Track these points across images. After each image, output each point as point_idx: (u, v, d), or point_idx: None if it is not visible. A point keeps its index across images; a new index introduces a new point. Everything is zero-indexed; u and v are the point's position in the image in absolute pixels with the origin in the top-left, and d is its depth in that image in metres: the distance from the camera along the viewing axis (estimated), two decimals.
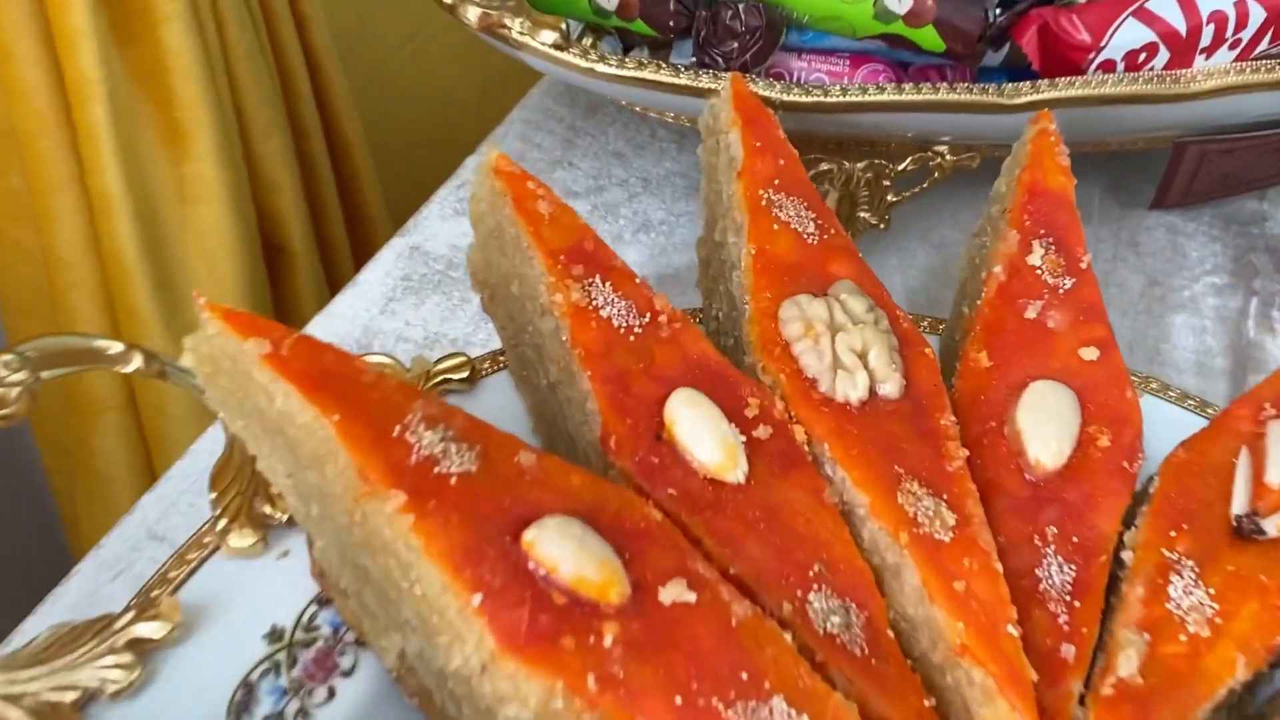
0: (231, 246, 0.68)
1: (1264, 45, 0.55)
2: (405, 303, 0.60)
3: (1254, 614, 0.37)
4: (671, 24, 0.51)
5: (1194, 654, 0.36)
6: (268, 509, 0.40)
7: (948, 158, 0.60)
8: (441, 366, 0.45)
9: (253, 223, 0.73)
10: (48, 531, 0.91)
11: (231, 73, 0.67)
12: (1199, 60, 0.55)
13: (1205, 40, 0.54)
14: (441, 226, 0.66)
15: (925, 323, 0.52)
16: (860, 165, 0.60)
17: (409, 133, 0.96)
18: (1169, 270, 0.69)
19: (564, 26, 0.50)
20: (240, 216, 0.68)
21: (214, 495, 0.40)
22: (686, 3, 0.50)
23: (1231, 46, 0.55)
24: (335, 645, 0.38)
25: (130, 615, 0.36)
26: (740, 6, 0.49)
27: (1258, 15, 0.53)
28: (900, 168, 0.60)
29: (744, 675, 0.32)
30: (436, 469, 0.34)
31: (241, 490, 0.40)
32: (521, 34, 0.50)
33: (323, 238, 0.82)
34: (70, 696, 0.34)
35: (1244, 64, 0.55)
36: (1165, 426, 0.46)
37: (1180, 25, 0.53)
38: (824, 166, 0.60)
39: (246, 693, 0.36)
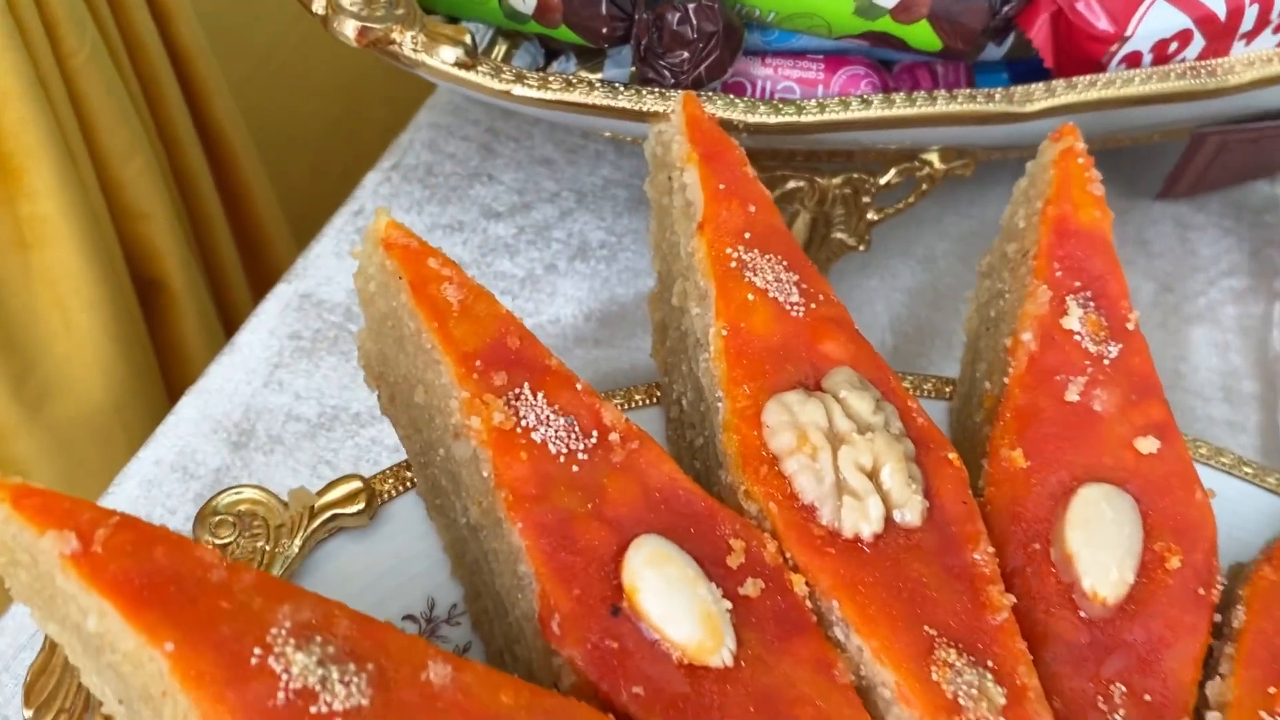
0: (89, 294, 0.56)
1: None
2: (295, 369, 0.50)
3: None
4: (605, 31, 0.40)
5: None
6: None
7: (937, 166, 0.50)
8: (328, 499, 0.35)
9: (118, 259, 0.61)
10: None
11: (72, 86, 0.55)
12: (1238, 47, 0.46)
13: (1248, 24, 0.45)
14: (337, 266, 0.55)
15: (928, 385, 0.43)
16: (836, 181, 0.50)
17: (304, 133, 0.83)
18: (1181, 273, 0.61)
19: (469, 36, 0.39)
20: (96, 255, 0.56)
21: (28, 716, 0.30)
22: (623, 4, 0.39)
23: (1277, 30, 0.46)
24: None
25: None
26: (690, 7, 0.38)
27: None
28: (883, 181, 0.51)
29: None
30: (314, 708, 0.25)
31: (66, 709, 0.30)
32: (415, 51, 0.39)
33: (210, 265, 0.70)
34: None
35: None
36: (1232, 513, 0.37)
37: (1220, 8, 0.44)
38: (791, 185, 0.50)
39: None
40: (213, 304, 0.71)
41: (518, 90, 0.40)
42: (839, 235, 0.52)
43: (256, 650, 0.25)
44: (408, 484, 0.37)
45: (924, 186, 0.52)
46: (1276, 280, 0.62)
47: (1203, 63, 0.45)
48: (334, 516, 0.35)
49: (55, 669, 0.31)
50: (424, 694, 0.26)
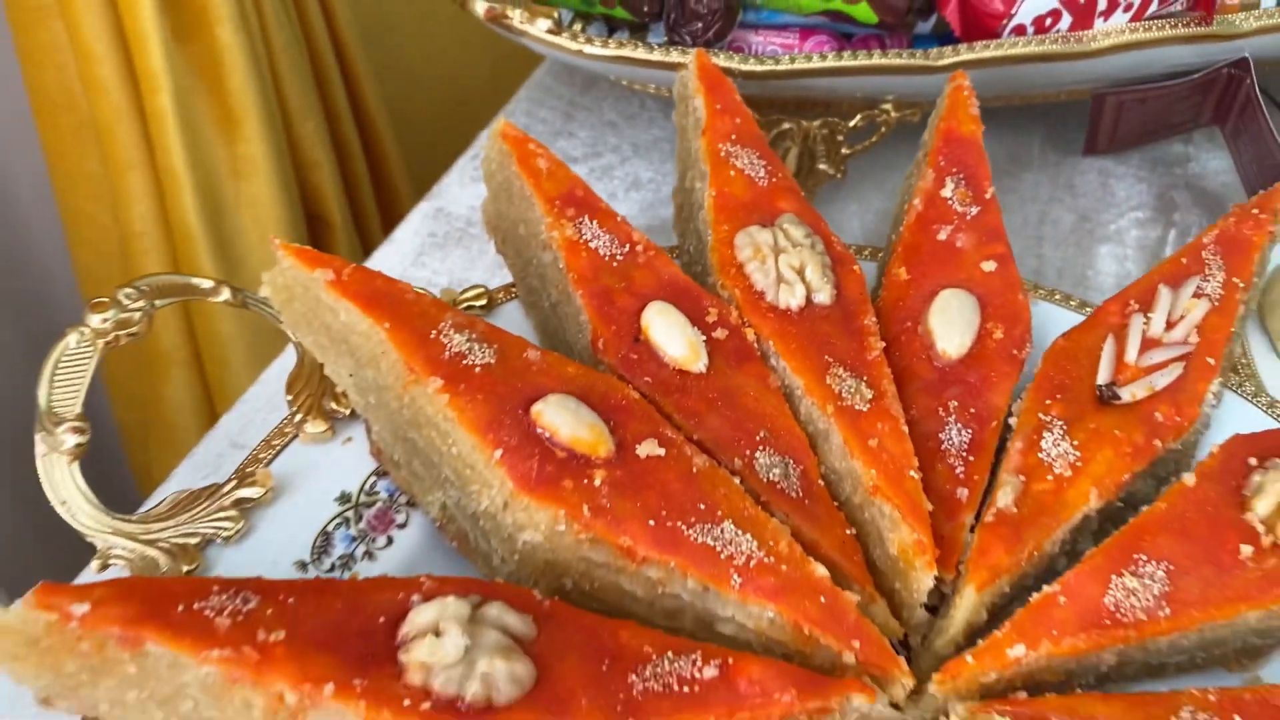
0: (279, 216, 0.79)
1: (1154, 7, 0.64)
2: (433, 256, 0.71)
3: (1107, 459, 0.47)
4: (646, 9, 0.61)
5: (1058, 490, 0.46)
6: (334, 405, 0.50)
7: (892, 114, 0.69)
8: (465, 295, 0.55)
9: (296, 196, 0.84)
10: (116, 479, 1.02)
11: (274, 64, 0.78)
12: (1098, 23, 0.64)
13: (1102, 5, 0.63)
14: (461, 192, 0.76)
15: (866, 251, 0.62)
16: (816, 123, 0.70)
17: (427, 112, 1.06)
18: (1099, 208, 0.79)
19: (557, 15, 0.60)
20: (285, 190, 0.79)
21: (290, 397, 0.51)
22: None
23: (1125, 10, 0.64)
24: (391, 506, 0.48)
25: (234, 482, 0.47)
26: None
27: None
28: (851, 124, 0.70)
29: (701, 506, 0.43)
30: (464, 361, 0.45)
31: (312, 392, 0.50)
32: (521, 23, 0.60)
33: (356, 209, 0.93)
34: (194, 540, 0.45)
35: (1137, 24, 0.65)
36: (1054, 325, 0.55)
37: None
38: (785, 126, 0.70)
39: (325, 539, 0.46)
40: (359, 240, 0.93)
41: (588, 49, 0.60)
42: (821, 166, 0.72)
43: (433, 332, 0.45)
44: (512, 294, 0.57)
45: (883, 129, 0.71)
46: (1175, 214, 0.79)
47: (1072, 33, 0.64)
48: (467, 307, 0.55)
49: (304, 374, 0.51)
50: (525, 363, 0.46)
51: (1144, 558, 0.43)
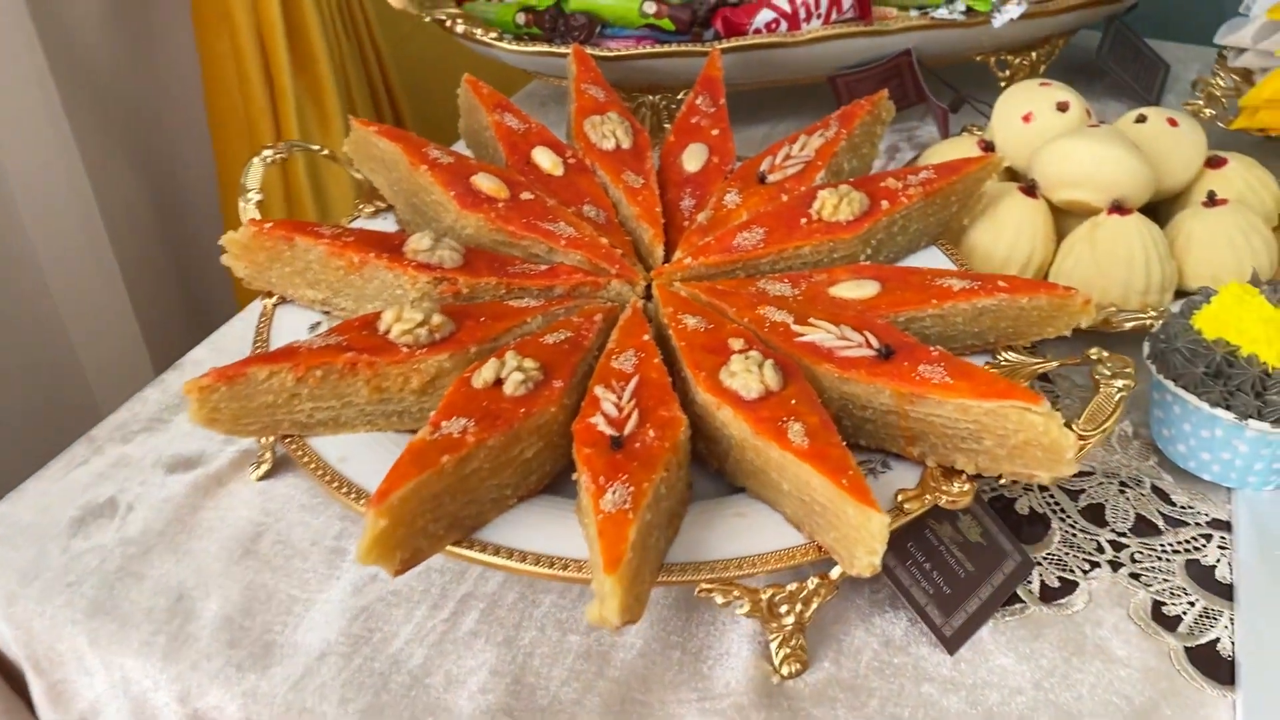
0: (348, 179, 1.32)
1: (835, 17, 1.15)
2: None
3: (755, 203, 0.94)
4: (549, 28, 1.12)
5: (729, 214, 0.93)
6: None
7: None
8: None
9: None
10: None
11: (349, 89, 1.32)
12: (805, 26, 1.15)
13: (803, 14, 1.14)
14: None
15: None
16: (656, 97, 1.21)
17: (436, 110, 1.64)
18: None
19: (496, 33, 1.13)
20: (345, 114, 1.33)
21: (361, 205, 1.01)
22: (550, 16, 1.11)
23: (818, 18, 1.15)
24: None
25: None
26: (572, 15, 1.10)
27: (823, 1, 1.14)
28: (679, 97, 1.21)
29: (550, 217, 0.91)
30: (437, 159, 0.94)
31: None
32: (480, 35, 1.12)
33: None
34: None
35: (827, 25, 1.16)
36: None
37: (787, 8, 1.14)
38: (640, 99, 1.21)
39: None
40: None
41: (514, 48, 1.12)
42: (666, 126, 1.22)
43: (423, 150, 0.95)
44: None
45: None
46: (898, 154, 1.28)
47: (790, 32, 1.15)
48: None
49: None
50: (467, 161, 0.96)
51: (755, 226, 0.90)
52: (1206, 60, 1.50)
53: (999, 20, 1.17)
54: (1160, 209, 1.03)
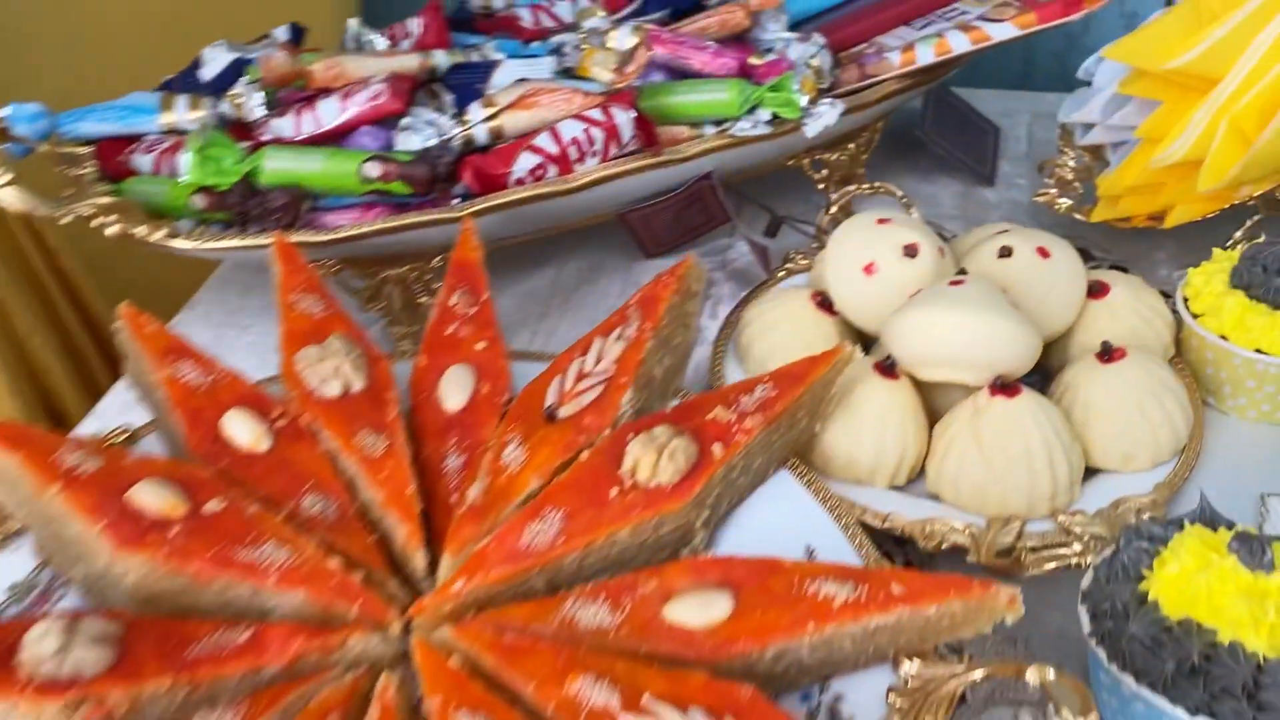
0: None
1: (614, 151, 0.91)
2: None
3: (545, 455, 0.69)
4: (240, 213, 0.83)
5: (509, 482, 0.67)
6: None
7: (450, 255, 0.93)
8: (110, 434, 0.75)
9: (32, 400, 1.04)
10: None
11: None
12: (578, 168, 0.90)
13: (574, 154, 0.89)
14: None
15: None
16: (404, 269, 0.93)
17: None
18: None
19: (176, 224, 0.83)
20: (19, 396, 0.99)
21: None
22: (238, 196, 0.83)
23: (593, 156, 0.90)
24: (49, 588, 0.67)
25: None
26: (268, 193, 0.82)
27: (598, 136, 0.89)
28: (432, 264, 0.94)
29: (249, 537, 0.63)
30: (75, 470, 0.64)
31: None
32: (147, 235, 0.82)
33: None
34: None
35: (606, 163, 0.91)
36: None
37: (554, 150, 0.88)
38: (385, 274, 0.93)
39: None
40: None
41: (180, 243, 0.82)
42: (422, 300, 0.95)
43: (53, 455, 0.65)
44: (152, 427, 0.77)
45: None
46: (712, 289, 1.05)
47: (559, 177, 0.90)
48: (113, 443, 0.75)
49: None
50: (124, 465, 0.66)
51: (550, 509, 0.64)
52: (1036, 109, 1.34)
53: (813, 128, 0.95)
54: (1040, 359, 0.83)
